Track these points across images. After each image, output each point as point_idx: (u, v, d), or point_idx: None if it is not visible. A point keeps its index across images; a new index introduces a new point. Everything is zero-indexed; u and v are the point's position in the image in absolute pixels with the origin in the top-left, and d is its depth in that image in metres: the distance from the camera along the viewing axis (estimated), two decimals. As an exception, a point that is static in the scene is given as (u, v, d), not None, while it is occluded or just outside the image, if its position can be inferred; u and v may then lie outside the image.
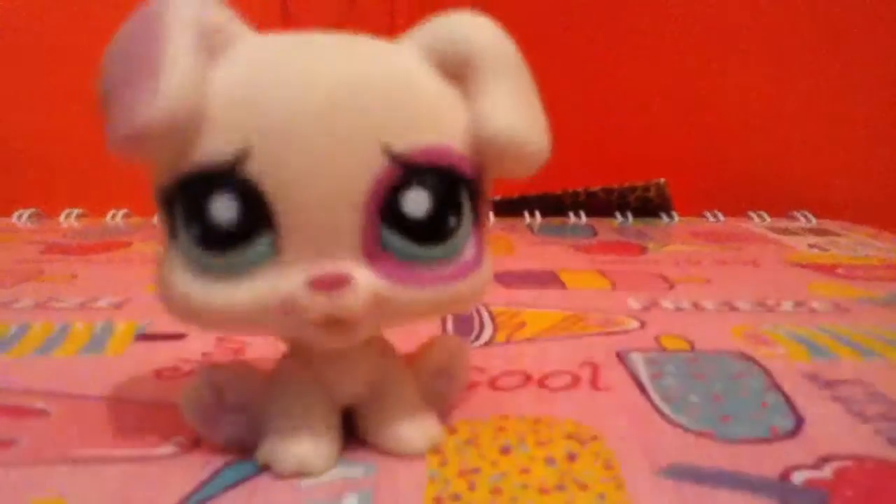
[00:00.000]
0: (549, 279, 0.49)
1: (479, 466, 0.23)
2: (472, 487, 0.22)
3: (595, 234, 0.70)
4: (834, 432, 0.25)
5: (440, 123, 0.21)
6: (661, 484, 0.22)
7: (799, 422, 0.26)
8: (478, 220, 0.22)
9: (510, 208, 0.80)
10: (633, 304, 0.43)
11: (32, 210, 0.77)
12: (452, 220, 0.21)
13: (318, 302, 0.19)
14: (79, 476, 0.23)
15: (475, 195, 0.21)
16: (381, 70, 0.20)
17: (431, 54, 0.21)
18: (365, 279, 0.20)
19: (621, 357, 0.33)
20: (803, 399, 0.28)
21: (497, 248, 0.61)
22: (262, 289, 0.20)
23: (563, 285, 0.48)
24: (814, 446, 0.24)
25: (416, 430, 0.24)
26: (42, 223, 0.74)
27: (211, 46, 0.20)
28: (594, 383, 0.30)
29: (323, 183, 0.19)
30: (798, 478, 0.22)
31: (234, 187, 0.19)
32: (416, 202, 0.20)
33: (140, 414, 0.27)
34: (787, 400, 0.28)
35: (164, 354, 0.33)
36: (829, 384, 0.30)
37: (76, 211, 0.77)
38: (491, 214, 0.75)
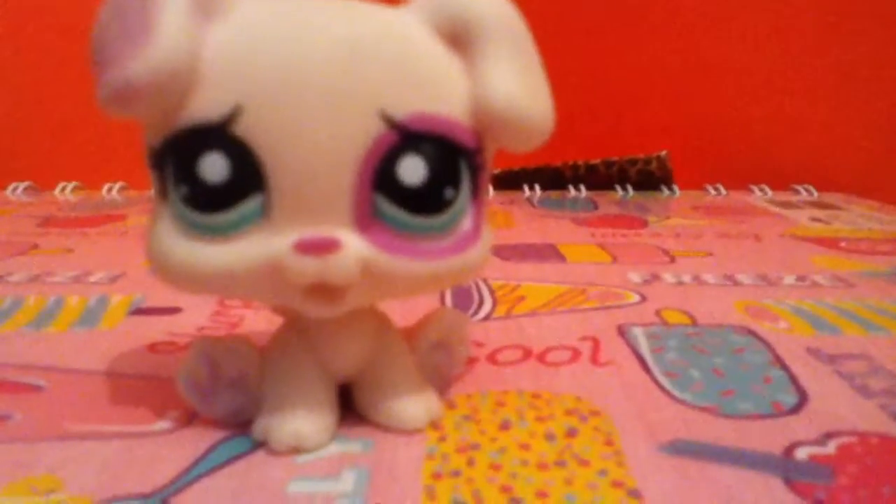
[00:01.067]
0: (549, 253, 0.49)
1: (479, 442, 0.23)
2: (471, 463, 0.22)
3: (595, 207, 0.69)
4: (837, 408, 0.25)
5: (440, 91, 0.20)
6: (662, 460, 0.22)
7: (802, 397, 0.26)
8: (477, 194, 0.21)
9: (510, 181, 0.79)
10: (634, 277, 0.42)
11: (27, 183, 0.76)
12: (449, 192, 0.20)
13: (305, 265, 0.19)
14: (73, 452, 0.22)
15: (475, 167, 0.21)
16: (381, 33, 0.20)
17: (433, 21, 0.20)
18: (355, 246, 0.19)
19: (622, 331, 0.33)
20: (806, 374, 0.28)
21: (496, 222, 0.60)
22: (249, 251, 0.19)
23: (563, 259, 0.47)
24: (817, 422, 0.24)
25: (414, 405, 0.23)
26: (37, 196, 0.74)
27: (207, 7, 0.19)
28: (595, 358, 0.30)
29: (316, 145, 0.19)
30: (801, 454, 0.22)
31: (225, 146, 0.19)
32: (412, 169, 0.19)
33: (135, 388, 0.27)
34: (790, 375, 0.28)
35: (158, 328, 0.33)
36: (833, 359, 0.29)
37: (71, 184, 0.76)
38: (490, 188, 0.74)
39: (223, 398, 0.23)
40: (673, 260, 0.47)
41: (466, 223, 0.21)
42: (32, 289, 0.39)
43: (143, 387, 0.27)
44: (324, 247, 0.19)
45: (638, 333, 0.32)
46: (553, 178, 0.80)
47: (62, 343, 0.31)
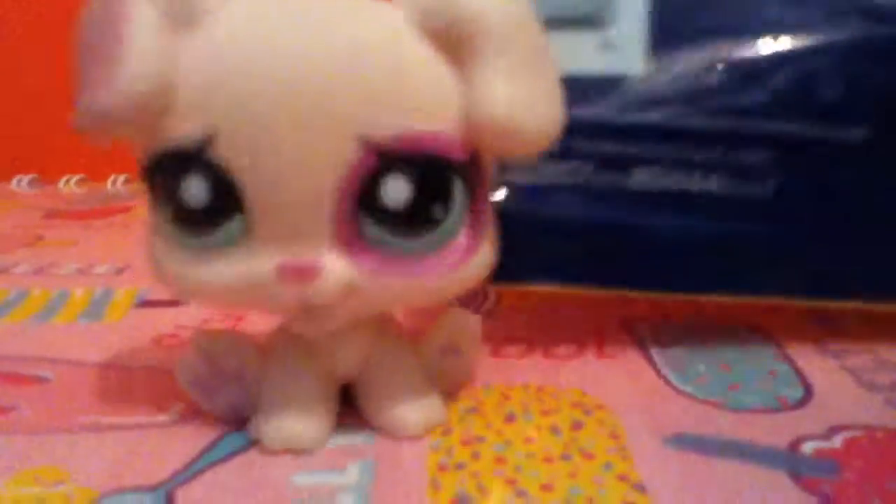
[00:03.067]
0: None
1: (484, 435, 0.23)
2: (475, 456, 0.22)
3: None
4: (843, 402, 0.25)
5: (426, 105, 0.19)
6: (667, 454, 0.22)
7: (808, 391, 0.26)
8: (474, 206, 0.20)
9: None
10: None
11: (32, 175, 0.76)
12: (438, 211, 0.19)
13: (286, 291, 0.19)
14: (77, 444, 0.22)
15: (470, 180, 0.20)
16: (359, 46, 0.18)
17: (425, 21, 0.19)
18: (338, 269, 0.19)
19: (627, 325, 0.33)
20: (812, 368, 0.28)
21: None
22: (233, 271, 0.19)
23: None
24: (823, 416, 0.24)
25: (413, 411, 0.23)
26: (42, 189, 0.74)
27: (179, 18, 0.19)
28: (600, 352, 0.29)
29: (293, 169, 0.18)
30: (807, 448, 0.22)
31: (202, 169, 0.18)
32: (395, 192, 0.18)
33: (139, 381, 0.27)
34: (796, 369, 0.28)
35: (163, 321, 0.33)
36: (839, 353, 0.29)
37: (76, 176, 0.76)
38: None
39: (222, 394, 0.23)
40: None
41: (461, 239, 0.20)
42: (37, 281, 0.39)
43: (148, 379, 0.27)
44: (303, 274, 0.19)
45: (643, 327, 0.32)
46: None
47: (67, 335, 0.31)
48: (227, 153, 0.18)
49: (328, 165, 0.18)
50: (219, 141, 0.18)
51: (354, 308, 0.20)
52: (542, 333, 0.31)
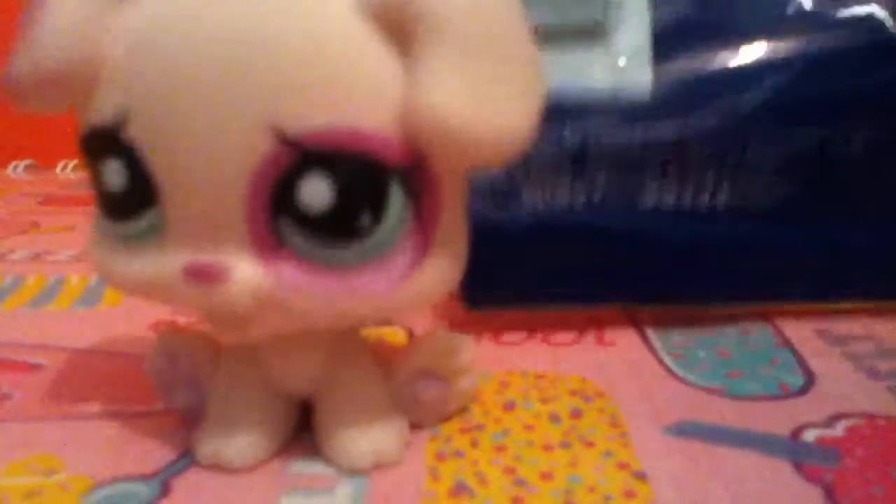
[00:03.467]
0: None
1: (483, 423, 0.23)
2: (474, 444, 0.21)
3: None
4: (845, 390, 0.25)
5: (358, 99, 0.16)
6: (668, 441, 0.22)
7: (809, 379, 0.26)
8: (422, 218, 0.18)
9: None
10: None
11: (28, 161, 0.76)
12: (365, 218, 0.17)
13: (191, 293, 0.17)
14: (73, 432, 0.22)
15: (415, 187, 0.17)
16: (281, 27, 0.16)
17: (365, 3, 0.16)
18: (247, 275, 0.17)
19: (628, 312, 0.32)
20: (814, 356, 0.28)
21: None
22: (148, 267, 0.18)
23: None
24: (825, 404, 0.24)
25: (360, 441, 0.20)
26: (38, 175, 0.73)
27: None
28: (600, 339, 0.29)
29: (203, 160, 0.16)
30: (809, 436, 0.22)
31: (119, 152, 0.17)
32: (315, 193, 0.16)
33: (135, 368, 0.27)
34: (798, 356, 0.28)
35: (160, 308, 0.32)
36: (840, 340, 0.29)
37: (73, 162, 0.76)
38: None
39: (180, 393, 0.22)
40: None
41: (401, 254, 0.18)
42: (33, 267, 0.39)
43: (143, 366, 0.27)
44: (208, 275, 0.17)
45: (643, 314, 0.32)
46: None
47: (63, 322, 0.31)
48: (139, 135, 0.17)
49: (237, 158, 0.16)
50: (131, 121, 0.17)
51: (275, 321, 0.18)
52: (541, 320, 0.31)
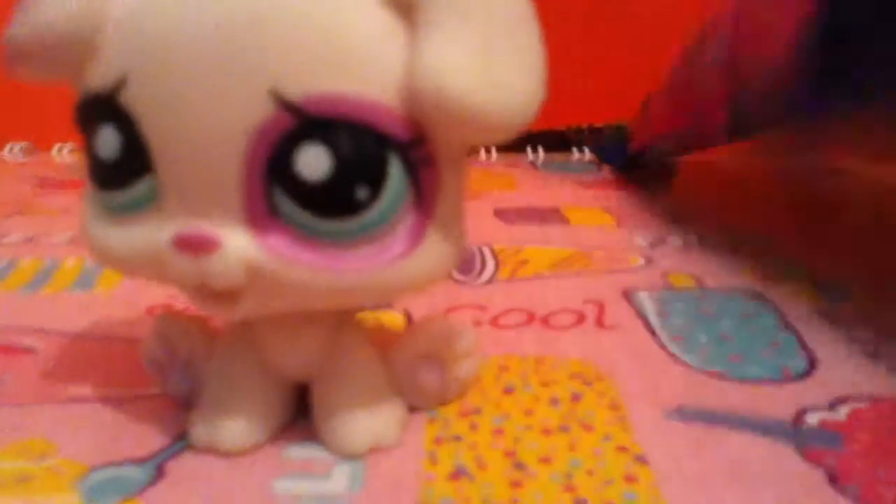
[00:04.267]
0: (552, 216, 0.48)
1: (481, 407, 0.22)
2: (473, 428, 0.21)
3: (600, 170, 0.68)
4: (848, 373, 0.25)
5: (362, 67, 0.16)
6: (669, 425, 0.21)
7: (812, 362, 0.25)
8: (420, 199, 0.17)
9: (513, 144, 0.78)
10: (640, 241, 0.42)
11: (24, 143, 0.75)
12: (363, 191, 0.16)
13: (183, 264, 0.17)
14: (66, 416, 0.22)
15: (414, 164, 0.17)
16: None
17: None
18: (239, 247, 0.17)
19: (627, 295, 0.32)
20: (816, 339, 0.27)
21: (499, 184, 0.59)
22: (139, 238, 0.18)
23: (567, 222, 0.47)
24: (828, 387, 0.24)
25: (358, 425, 0.20)
26: (34, 157, 0.73)
27: None
28: (600, 322, 0.29)
29: (199, 124, 0.16)
30: (812, 419, 0.22)
31: (114, 118, 0.17)
32: (312, 161, 0.16)
33: (130, 352, 0.26)
34: (800, 340, 0.27)
35: (155, 291, 0.32)
36: (843, 323, 0.29)
37: (69, 145, 0.75)
38: (493, 150, 0.73)
39: (176, 377, 0.22)
40: (679, 223, 0.46)
41: (398, 232, 0.17)
42: (28, 250, 0.39)
43: (138, 350, 0.26)
44: (199, 245, 0.17)
45: (644, 297, 0.32)
46: (557, 142, 0.78)
47: (57, 305, 0.31)
48: (136, 99, 0.17)
49: (235, 121, 0.16)
50: (128, 85, 0.17)
51: (267, 297, 0.18)
52: (540, 303, 0.31)
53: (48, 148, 0.75)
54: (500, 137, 0.17)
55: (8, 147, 0.75)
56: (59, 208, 0.49)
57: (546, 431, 0.21)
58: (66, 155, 0.74)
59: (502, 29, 0.16)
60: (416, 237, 0.17)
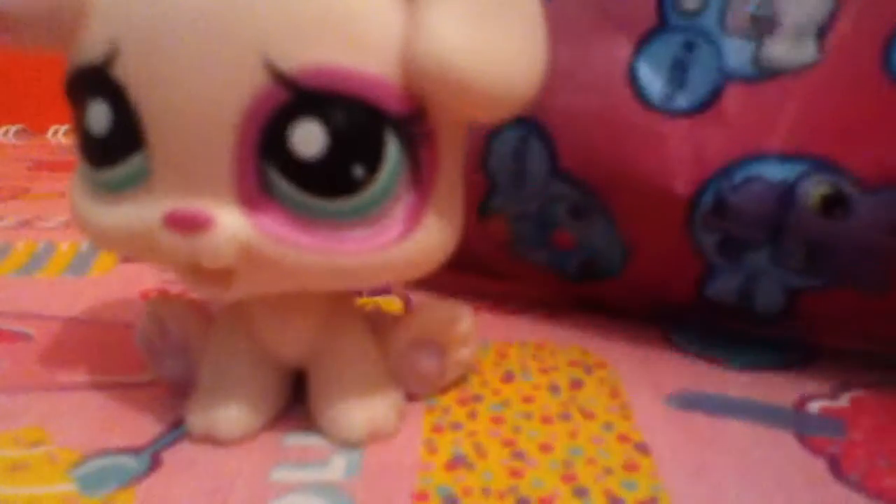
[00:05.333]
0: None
1: (481, 394, 0.22)
2: (472, 416, 0.21)
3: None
4: (850, 360, 0.24)
5: (359, 40, 0.16)
6: (670, 412, 0.21)
7: (814, 349, 0.25)
8: (418, 179, 0.17)
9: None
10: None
11: (19, 126, 0.75)
12: (358, 169, 0.16)
13: (174, 242, 0.16)
14: (60, 403, 0.22)
15: (413, 140, 0.16)
16: None
17: None
18: (231, 226, 0.16)
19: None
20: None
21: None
22: (129, 216, 0.17)
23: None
24: (829, 375, 0.23)
25: (356, 411, 0.20)
26: (29, 140, 0.72)
27: None
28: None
29: (191, 97, 0.16)
30: (814, 407, 0.22)
31: (106, 91, 0.17)
32: (307, 137, 0.15)
33: (125, 337, 0.26)
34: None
35: (150, 275, 0.32)
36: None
37: (64, 127, 0.75)
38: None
39: (169, 361, 0.22)
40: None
41: (396, 213, 0.17)
42: (23, 234, 0.38)
43: (133, 336, 0.26)
44: (191, 224, 0.16)
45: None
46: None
47: (52, 290, 0.31)
48: (128, 72, 0.16)
49: (228, 94, 0.15)
50: (120, 58, 0.16)
51: (260, 277, 0.17)
52: (541, 290, 0.31)
53: (43, 131, 0.75)
54: (501, 112, 0.17)
55: (3, 130, 0.74)
56: (55, 191, 0.49)
57: (546, 419, 0.21)
58: (61, 138, 0.73)
59: (501, 4, 0.16)
60: (414, 218, 0.17)
